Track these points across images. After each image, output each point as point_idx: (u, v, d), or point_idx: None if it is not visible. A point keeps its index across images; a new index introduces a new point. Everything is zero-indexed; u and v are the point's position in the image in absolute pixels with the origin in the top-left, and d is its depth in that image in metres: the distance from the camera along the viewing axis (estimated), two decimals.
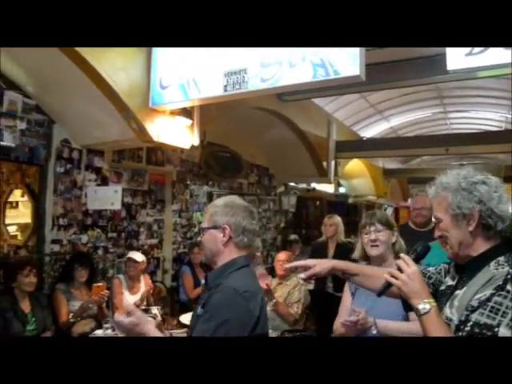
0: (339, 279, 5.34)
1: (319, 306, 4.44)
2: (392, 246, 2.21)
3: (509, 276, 1.19)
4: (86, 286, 3.83)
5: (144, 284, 4.32)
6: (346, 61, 2.84)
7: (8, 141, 3.73)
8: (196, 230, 6.17)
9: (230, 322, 1.50)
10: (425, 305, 1.25)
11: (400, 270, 1.31)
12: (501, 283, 1.18)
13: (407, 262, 1.31)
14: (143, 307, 3.95)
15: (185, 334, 3.12)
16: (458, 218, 1.30)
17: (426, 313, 1.25)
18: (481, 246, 1.30)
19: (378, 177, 11.59)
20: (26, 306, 3.42)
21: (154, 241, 5.54)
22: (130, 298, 4.10)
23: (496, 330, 1.12)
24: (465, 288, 1.28)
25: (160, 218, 5.64)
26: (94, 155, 4.57)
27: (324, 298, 4.43)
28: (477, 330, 1.16)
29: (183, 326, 3.78)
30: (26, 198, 5.00)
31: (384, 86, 5.57)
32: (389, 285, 1.36)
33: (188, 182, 6.07)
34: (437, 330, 1.23)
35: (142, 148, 5.10)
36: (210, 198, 6.48)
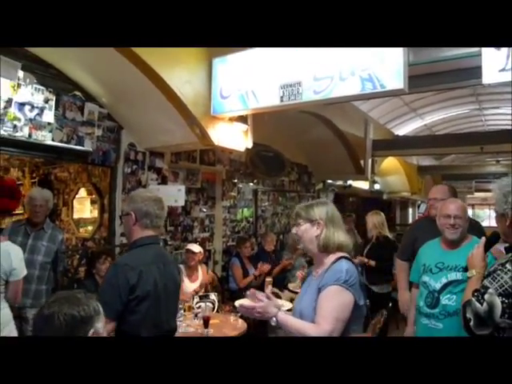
0: (373, 272, 5.70)
1: None
2: (315, 238, 1.98)
3: (511, 258, 1.64)
4: None
5: (201, 273, 4.75)
6: (391, 75, 3.16)
7: (88, 146, 4.23)
8: (243, 224, 6.62)
9: (106, 291, 2.01)
10: (472, 272, 1.85)
11: None
12: (504, 261, 1.63)
13: (478, 245, 1.96)
14: (201, 293, 4.42)
15: None
16: (499, 215, 1.74)
17: (470, 277, 1.87)
18: None
19: (413, 174, 11.66)
20: None
21: (206, 234, 5.97)
22: (189, 285, 4.54)
23: (488, 290, 1.58)
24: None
25: (211, 214, 6.06)
26: (155, 157, 5.03)
27: None
28: (482, 291, 1.61)
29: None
30: (92, 195, 5.55)
31: (420, 89, 5.77)
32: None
33: (236, 181, 6.46)
34: (470, 290, 1.70)
35: (196, 150, 5.52)
36: (256, 195, 6.88)
